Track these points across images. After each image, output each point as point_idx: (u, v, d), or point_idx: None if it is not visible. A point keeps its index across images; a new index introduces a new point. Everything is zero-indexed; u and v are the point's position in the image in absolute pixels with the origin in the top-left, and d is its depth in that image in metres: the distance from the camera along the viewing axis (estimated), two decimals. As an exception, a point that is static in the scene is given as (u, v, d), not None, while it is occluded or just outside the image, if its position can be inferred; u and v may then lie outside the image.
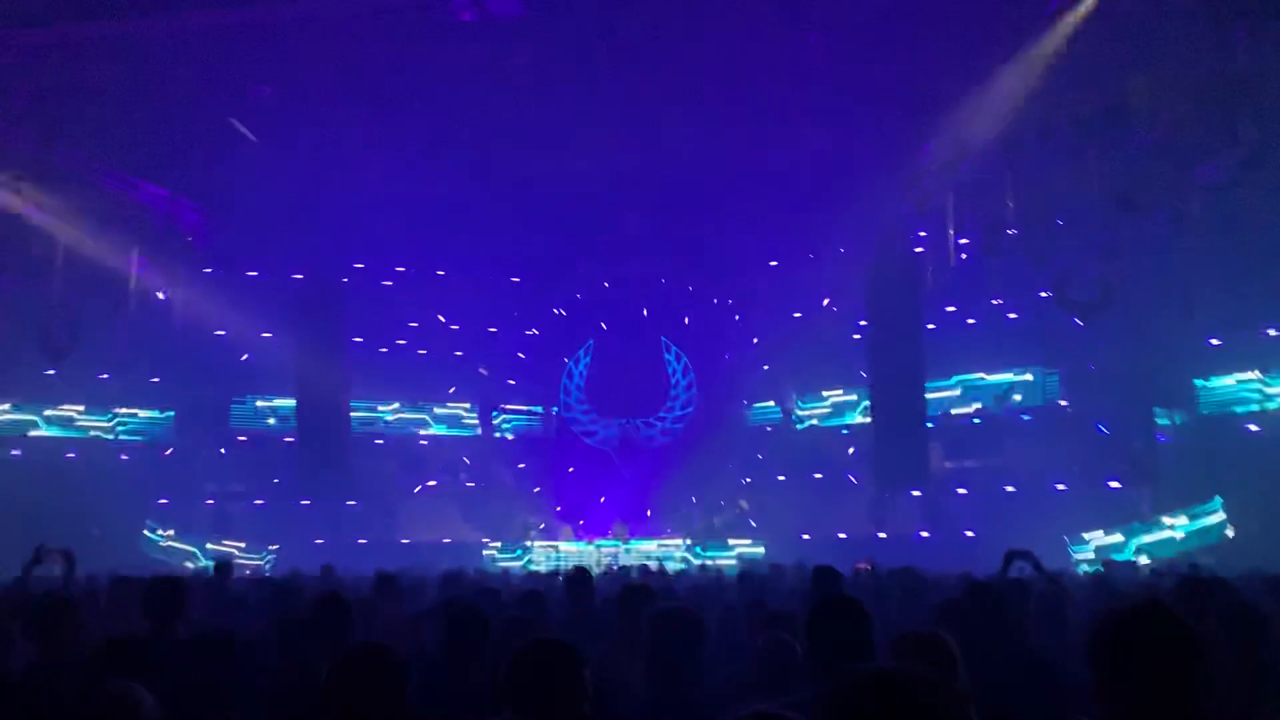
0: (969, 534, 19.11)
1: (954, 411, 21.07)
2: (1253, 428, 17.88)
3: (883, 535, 19.78)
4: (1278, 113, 13.11)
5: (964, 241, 17.73)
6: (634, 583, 6.01)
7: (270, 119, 16.29)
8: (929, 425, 20.57)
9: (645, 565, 16.26)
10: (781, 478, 22.87)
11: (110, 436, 21.46)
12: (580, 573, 6.46)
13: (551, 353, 24.75)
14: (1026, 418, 20.20)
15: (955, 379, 21.05)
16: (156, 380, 21.35)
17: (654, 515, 23.31)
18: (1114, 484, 18.77)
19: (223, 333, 20.90)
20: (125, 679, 2.95)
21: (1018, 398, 20.23)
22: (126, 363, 20.09)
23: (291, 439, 21.94)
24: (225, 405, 22.34)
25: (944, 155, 15.68)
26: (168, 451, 21.73)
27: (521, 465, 24.25)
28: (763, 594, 7.51)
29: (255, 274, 21.55)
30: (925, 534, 19.90)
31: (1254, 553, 13.28)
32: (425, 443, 24.11)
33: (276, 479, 21.79)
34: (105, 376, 20.51)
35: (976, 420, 20.80)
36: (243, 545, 20.29)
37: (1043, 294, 18.06)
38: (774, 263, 22.43)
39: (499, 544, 21.37)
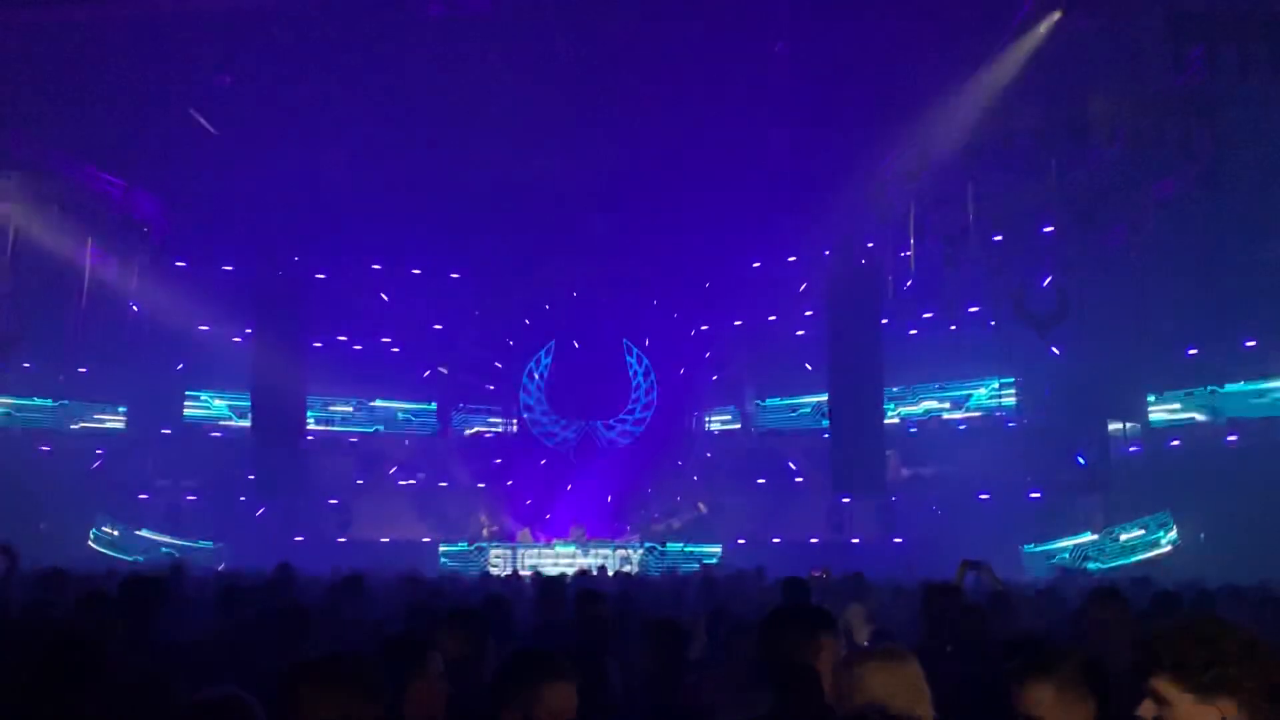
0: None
1: (905, 413, 21.33)
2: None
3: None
4: (1233, 130, 13.37)
5: (938, 248, 17.85)
6: (588, 590, 5.99)
7: (231, 110, 16.06)
8: (912, 431, 20.82)
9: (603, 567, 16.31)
10: (761, 480, 22.92)
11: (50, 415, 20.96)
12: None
13: (513, 352, 24.65)
14: (1011, 424, 20.39)
15: (914, 387, 21.27)
16: (109, 372, 20.92)
17: (612, 517, 23.29)
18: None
19: (179, 325, 20.55)
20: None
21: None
22: (78, 354, 19.72)
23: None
24: (178, 399, 22.00)
25: (906, 165, 15.79)
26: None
27: (491, 463, 24.15)
28: (725, 601, 7.53)
29: (212, 266, 21.21)
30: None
31: (1202, 564, 13.55)
32: (382, 441, 23.90)
33: (230, 474, 21.48)
34: (55, 368, 20.08)
35: (962, 426, 20.97)
36: (189, 542, 20.04)
37: (1000, 305, 18.27)
38: (735, 267, 22.50)
39: (453, 547, 21.21)
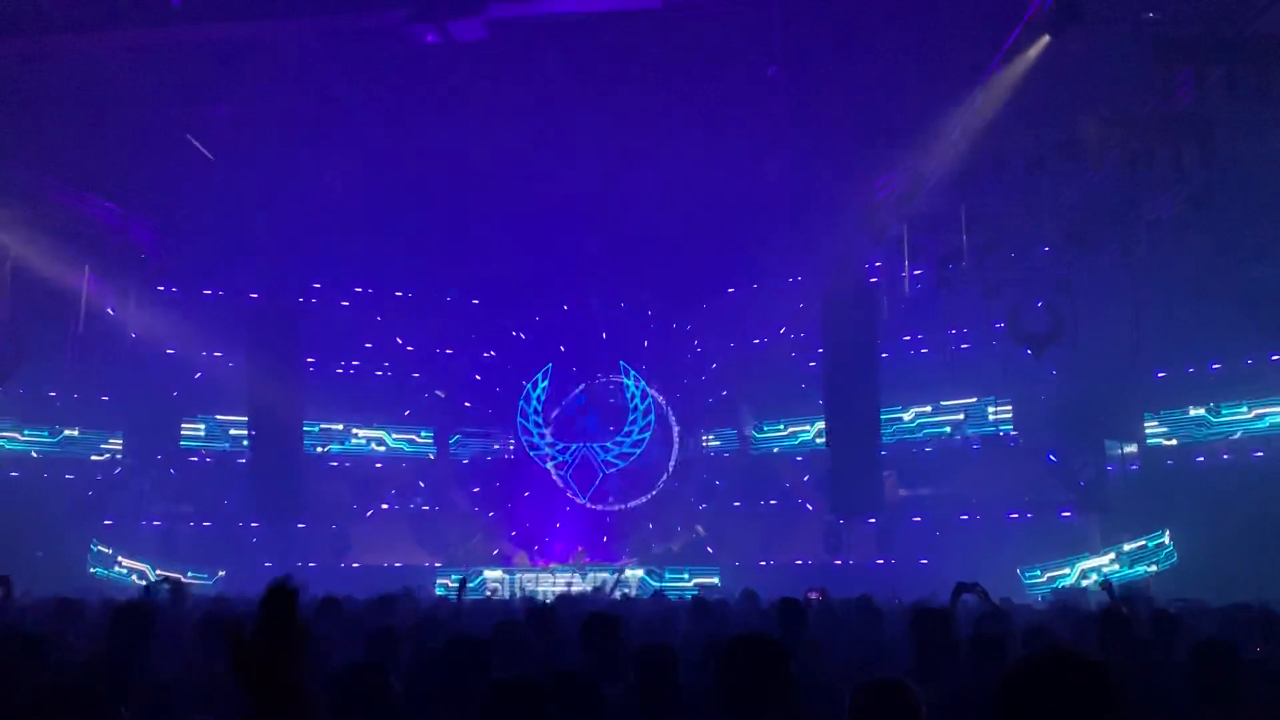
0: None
1: (901, 434, 21.35)
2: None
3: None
4: (1222, 152, 13.46)
5: (918, 272, 17.97)
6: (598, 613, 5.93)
7: (228, 137, 16.16)
8: (883, 454, 20.77)
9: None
10: (737, 504, 22.92)
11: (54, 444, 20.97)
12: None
13: (509, 376, 24.68)
14: (976, 447, 20.42)
15: (910, 408, 21.30)
16: (106, 399, 20.93)
17: (610, 541, 23.26)
18: (1065, 514, 19.04)
19: (174, 351, 20.56)
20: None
21: None
22: (75, 381, 19.70)
23: (242, 460, 21.71)
24: (175, 425, 21.96)
25: (900, 187, 15.89)
26: (116, 471, 21.24)
27: (476, 489, 24.11)
28: (719, 625, 7.51)
29: (209, 292, 21.26)
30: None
31: (1199, 582, 13.52)
32: (379, 465, 23.88)
33: (227, 500, 21.46)
34: (53, 394, 20.09)
35: (957, 447, 20.98)
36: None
37: (996, 326, 18.35)
38: (731, 289, 22.61)
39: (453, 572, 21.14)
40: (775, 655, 3.50)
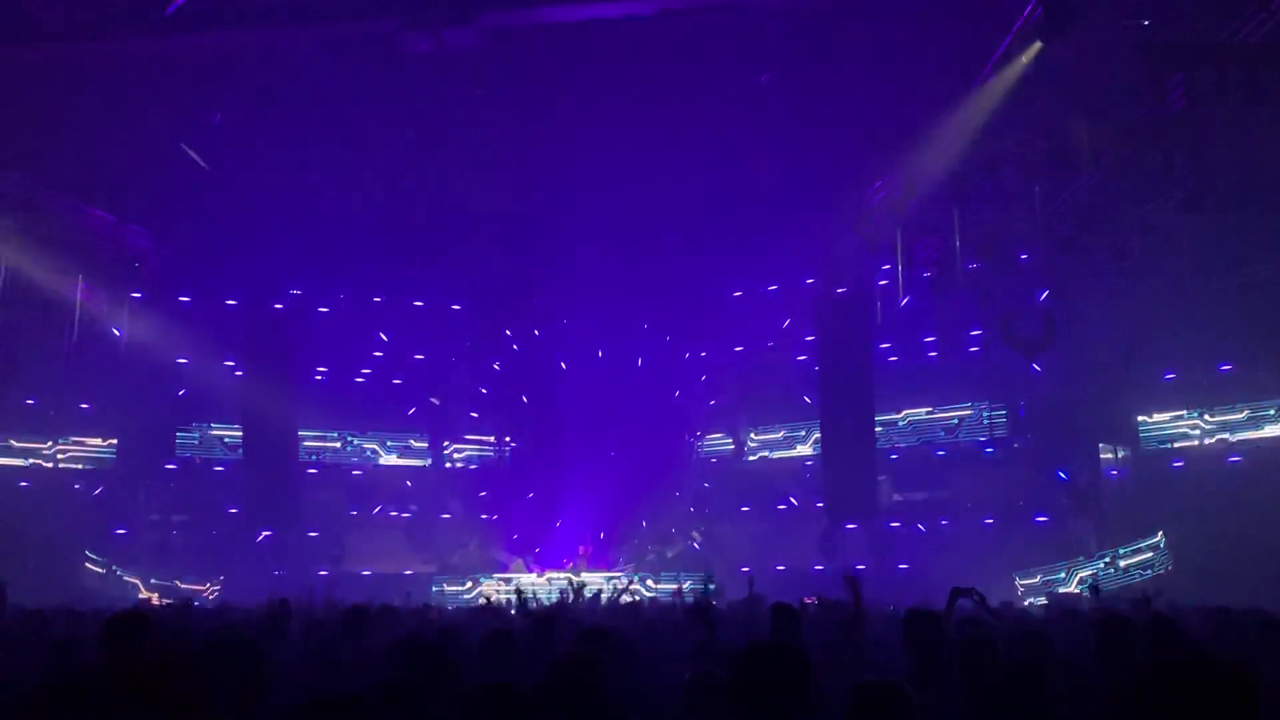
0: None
1: (896, 438, 21.37)
2: (1178, 463, 18.39)
3: (820, 568, 19.96)
4: (1213, 156, 13.54)
5: (926, 275, 17.97)
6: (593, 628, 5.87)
7: (222, 146, 16.16)
8: (893, 457, 20.80)
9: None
10: (746, 508, 22.87)
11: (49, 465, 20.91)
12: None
13: (506, 383, 24.64)
14: (990, 450, 20.44)
15: (904, 413, 21.32)
16: (88, 407, 20.75)
17: (606, 546, 23.21)
18: (1041, 519, 19.04)
19: (170, 360, 20.48)
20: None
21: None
22: (68, 389, 19.63)
23: (221, 468, 21.67)
24: (170, 433, 21.88)
25: (893, 193, 15.95)
26: (97, 492, 21.09)
27: (482, 494, 24.07)
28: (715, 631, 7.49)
29: (203, 300, 21.19)
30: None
31: (1194, 585, 13.56)
32: (374, 472, 23.80)
33: (227, 509, 21.38)
34: (31, 402, 20.00)
35: (941, 453, 21.03)
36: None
37: (987, 330, 18.38)
38: (727, 296, 22.64)
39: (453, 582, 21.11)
40: (792, 665, 3.45)
